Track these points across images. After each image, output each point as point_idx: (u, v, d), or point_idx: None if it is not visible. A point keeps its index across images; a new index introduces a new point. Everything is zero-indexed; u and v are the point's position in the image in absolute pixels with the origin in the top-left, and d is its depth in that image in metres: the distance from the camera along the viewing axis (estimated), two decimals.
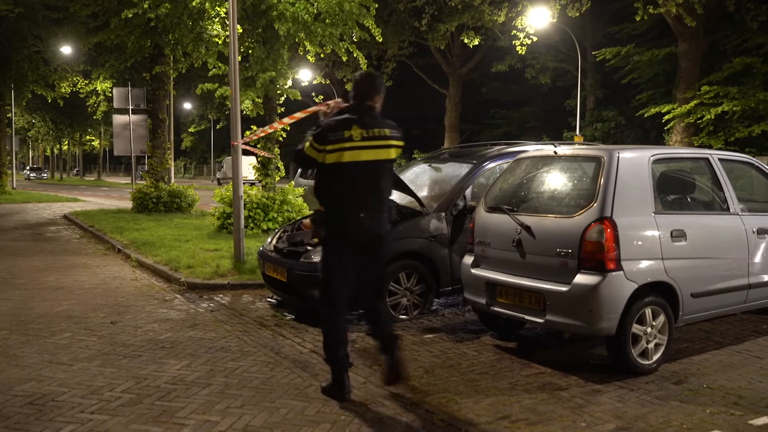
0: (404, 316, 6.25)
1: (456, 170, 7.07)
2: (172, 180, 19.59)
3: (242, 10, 10.52)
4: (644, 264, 4.69)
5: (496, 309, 5.24)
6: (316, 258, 6.21)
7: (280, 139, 11.89)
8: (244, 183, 10.08)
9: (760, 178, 6.11)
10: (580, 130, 28.41)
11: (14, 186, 32.09)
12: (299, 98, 12.35)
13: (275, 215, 11.40)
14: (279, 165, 11.93)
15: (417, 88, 37.44)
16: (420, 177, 7.66)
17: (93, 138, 55.62)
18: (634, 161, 4.95)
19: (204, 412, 3.99)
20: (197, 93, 12.43)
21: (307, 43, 11.31)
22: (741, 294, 5.38)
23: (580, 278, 4.59)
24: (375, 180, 4.23)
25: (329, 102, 4.59)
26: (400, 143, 4.34)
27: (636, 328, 4.67)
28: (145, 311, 6.65)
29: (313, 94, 26.04)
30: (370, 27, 11.70)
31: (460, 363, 4.97)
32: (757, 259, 5.46)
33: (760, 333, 5.93)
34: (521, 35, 21.42)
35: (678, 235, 4.88)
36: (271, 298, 7.17)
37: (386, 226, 4.32)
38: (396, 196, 7.04)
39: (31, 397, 4.23)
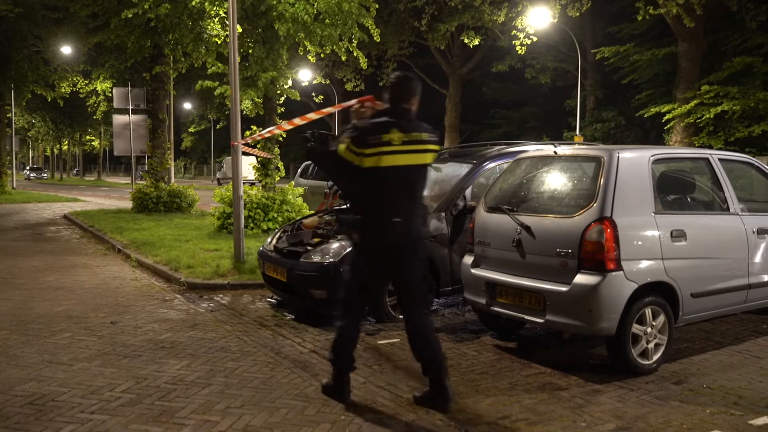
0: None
1: (456, 170, 7.07)
2: (172, 180, 19.59)
3: (242, 10, 10.52)
4: (644, 264, 4.69)
5: (496, 309, 5.24)
6: (317, 258, 6.22)
7: (280, 139, 11.89)
8: (244, 183, 10.08)
9: (760, 178, 6.12)
10: (580, 130, 28.41)
11: (14, 186, 32.09)
12: (299, 98, 12.36)
13: (275, 215, 11.41)
14: (279, 165, 11.93)
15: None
16: None
17: (93, 138, 55.60)
18: (634, 161, 4.95)
19: (204, 412, 3.99)
20: (197, 89, 12.44)
21: (307, 43, 11.32)
22: (741, 294, 5.38)
23: (580, 278, 4.59)
24: (411, 185, 4.12)
25: (362, 99, 4.46)
26: (437, 147, 4.23)
27: (636, 328, 4.67)
28: (145, 311, 6.65)
29: (313, 94, 26.02)
30: (370, 27, 11.70)
31: (460, 363, 4.97)
32: (757, 259, 5.46)
33: (760, 333, 5.93)
34: (521, 35, 21.43)
35: (678, 235, 4.89)
36: (271, 298, 7.17)
37: (420, 232, 4.19)
38: None
39: (31, 397, 4.23)
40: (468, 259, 5.63)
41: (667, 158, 5.51)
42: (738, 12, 20.65)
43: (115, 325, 6.08)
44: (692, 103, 20.95)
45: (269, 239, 7.25)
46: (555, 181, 5.33)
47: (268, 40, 11.00)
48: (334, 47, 11.57)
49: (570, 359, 5.20)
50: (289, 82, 11.81)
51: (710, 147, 19.86)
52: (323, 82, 31.43)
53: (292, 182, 13.17)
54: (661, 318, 4.81)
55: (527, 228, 4.98)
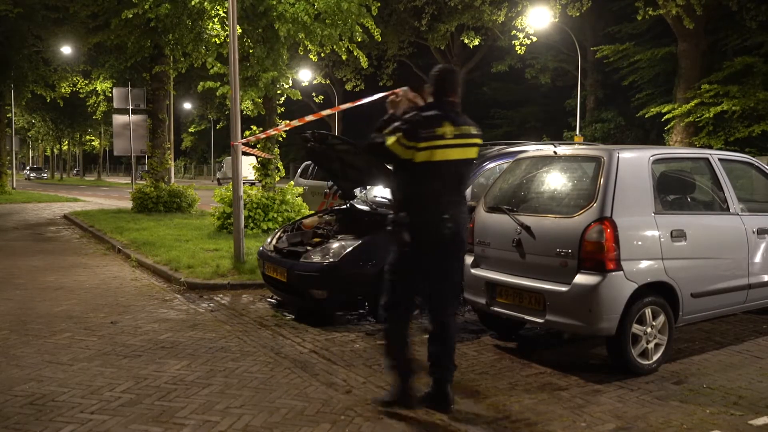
0: None
1: None
2: (172, 180, 19.58)
3: (242, 10, 10.52)
4: (644, 264, 4.69)
5: (496, 309, 5.24)
6: (317, 258, 6.22)
7: (280, 139, 11.89)
8: (244, 183, 10.08)
9: (760, 178, 6.12)
10: (580, 130, 28.42)
11: (14, 186, 32.09)
12: (300, 98, 12.36)
13: (275, 215, 11.41)
14: (279, 165, 11.93)
15: (417, 88, 37.37)
16: None
17: (93, 138, 55.58)
18: (634, 161, 4.95)
19: (204, 412, 3.99)
20: (198, 90, 12.45)
21: (307, 43, 11.32)
22: (741, 294, 5.38)
23: (580, 278, 4.59)
24: (460, 179, 4.06)
25: (397, 90, 4.34)
26: (481, 141, 4.19)
27: (636, 328, 4.67)
28: (145, 311, 6.65)
29: (314, 93, 26.07)
30: (370, 27, 11.71)
31: (460, 363, 4.95)
32: (757, 259, 5.46)
33: (760, 333, 5.93)
34: (520, 35, 21.43)
35: (678, 235, 4.88)
36: (271, 298, 7.17)
37: (466, 227, 4.14)
38: None
39: (31, 397, 4.23)
40: (468, 259, 5.62)
41: (667, 158, 5.51)
42: (738, 12, 20.65)
43: (115, 325, 6.08)
44: (692, 103, 20.95)
45: (269, 239, 7.24)
46: (555, 181, 5.33)
47: (269, 40, 11.01)
48: (335, 47, 11.57)
49: (570, 359, 5.20)
50: (290, 82, 11.81)
51: (710, 147, 19.86)
52: (323, 82, 31.45)
53: (292, 182, 13.16)
54: (661, 318, 4.81)
55: (527, 228, 4.98)
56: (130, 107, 17.19)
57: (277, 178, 12.07)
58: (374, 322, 6.21)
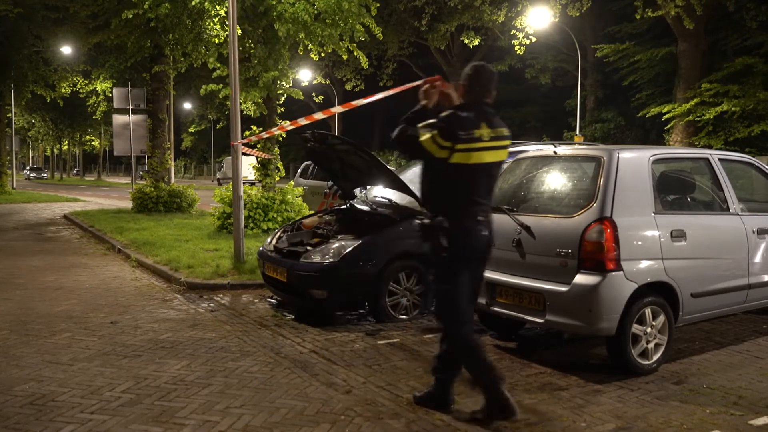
0: (404, 316, 6.25)
1: None
2: (172, 180, 19.58)
3: (242, 10, 10.52)
4: (644, 264, 4.69)
5: (496, 309, 5.23)
6: (317, 258, 6.22)
7: (280, 139, 11.90)
8: (244, 183, 10.08)
9: (760, 178, 6.11)
10: (580, 130, 28.43)
11: (14, 186, 32.09)
12: (302, 98, 12.37)
13: (275, 215, 11.41)
14: (279, 165, 11.93)
15: (417, 88, 37.38)
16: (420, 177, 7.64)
17: (93, 138, 55.58)
18: (634, 161, 4.95)
19: (204, 412, 3.99)
20: (201, 94, 12.48)
21: (307, 42, 11.33)
22: (741, 294, 5.38)
23: (580, 278, 4.59)
24: (492, 182, 3.93)
25: (433, 79, 4.11)
26: (510, 143, 4.05)
27: (636, 328, 4.67)
28: (145, 311, 6.65)
29: (314, 93, 26.09)
30: (371, 26, 11.72)
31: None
32: (757, 259, 5.46)
33: (760, 333, 5.93)
34: (520, 35, 21.43)
35: (678, 235, 4.88)
36: (271, 298, 7.18)
37: (493, 232, 3.98)
38: (396, 196, 7.10)
39: (31, 397, 4.23)
40: None
41: (667, 158, 5.51)
42: (737, 11, 20.65)
43: (115, 325, 6.08)
44: (692, 102, 20.96)
45: (269, 239, 7.24)
46: (555, 181, 5.33)
47: (269, 40, 11.01)
48: (335, 47, 11.58)
49: (570, 359, 5.20)
50: (290, 82, 11.82)
51: (710, 147, 19.87)
52: (323, 82, 31.45)
53: (292, 182, 13.16)
54: (661, 318, 4.81)
55: (527, 228, 4.97)
56: (130, 107, 17.20)
57: (277, 178, 12.07)
58: (374, 322, 6.21)
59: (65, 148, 60.45)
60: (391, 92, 6.57)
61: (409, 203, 6.73)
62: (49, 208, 20.56)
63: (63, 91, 26.36)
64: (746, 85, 20.83)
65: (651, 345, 4.76)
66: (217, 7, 11.32)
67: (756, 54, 21.38)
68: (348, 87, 30.58)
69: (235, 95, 8.58)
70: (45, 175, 62.66)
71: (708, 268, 5.10)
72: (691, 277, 4.93)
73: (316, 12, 10.81)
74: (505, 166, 6.30)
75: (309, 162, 14.58)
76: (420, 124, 3.86)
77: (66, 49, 24.19)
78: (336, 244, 6.27)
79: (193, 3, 11.27)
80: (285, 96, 11.86)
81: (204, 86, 11.53)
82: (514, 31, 21.74)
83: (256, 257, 7.57)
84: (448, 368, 4.03)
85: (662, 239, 4.79)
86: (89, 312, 6.58)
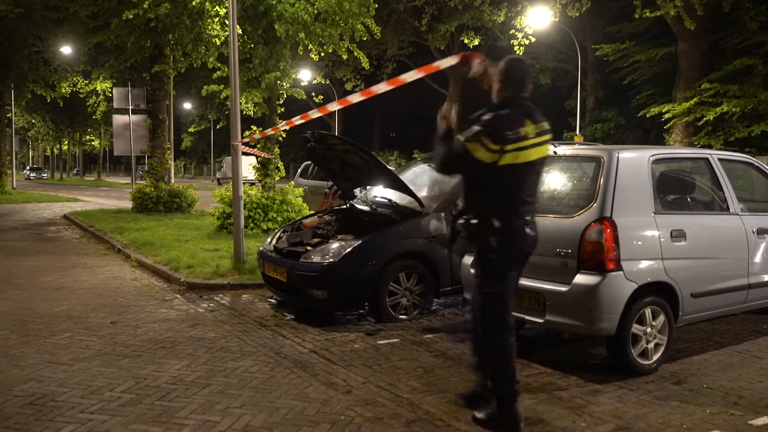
0: (404, 316, 6.25)
1: None
2: (172, 180, 19.58)
3: (242, 10, 10.52)
4: (644, 264, 4.69)
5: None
6: (316, 258, 6.22)
7: (280, 139, 11.90)
8: (244, 183, 10.08)
9: (760, 178, 6.11)
10: (580, 130, 28.44)
11: (14, 186, 32.07)
12: (304, 97, 12.38)
13: (275, 215, 11.41)
14: (279, 165, 11.93)
15: (417, 88, 37.44)
16: (420, 177, 7.66)
17: (93, 138, 55.59)
18: (634, 161, 4.95)
19: (204, 412, 3.99)
20: (202, 94, 12.47)
21: (307, 42, 11.33)
22: (741, 294, 5.38)
23: (580, 278, 4.59)
24: (538, 180, 3.83)
25: (467, 54, 3.95)
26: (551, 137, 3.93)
27: (636, 328, 4.67)
28: (145, 311, 6.65)
29: (313, 93, 26.14)
30: (370, 25, 11.72)
31: (460, 363, 4.97)
32: (757, 259, 5.46)
33: (760, 333, 5.93)
34: (520, 35, 21.42)
35: (678, 235, 4.88)
36: (271, 298, 7.18)
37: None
38: (396, 196, 7.10)
39: (31, 397, 4.23)
40: (468, 259, 5.62)
41: (667, 158, 5.51)
42: (736, 11, 20.65)
43: (115, 325, 6.08)
44: (692, 102, 20.96)
45: (269, 239, 7.24)
46: (555, 181, 5.33)
47: (270, 40, 11.01)
48: (335, 47, 11.58)
49: (570, 359, 5.20)
50: (291, 82, 11.82)
51: (710, 147, 19.88)
52: (323, 82, 31.45)
53: (292, 182, 13.16)
54: (661, 318, 4.81)
55: None
56: (130, 107, 17.19)
57: (277, 178, 12.07)
58: (374, 322, 6.21)
59: (65, 148, 60.44)
60: (419, 74, 5.74)
61: (408, 203, 6.74)
62: (49, 208, 20.56)
63: (63, 91, 26.35)
64: (746, 85, 20.84)
65: (651, 345, 4.77)
66: (217, 8, 11.32)
67: (756, 54, 21.38)
68: (348, 87, 30.57)
69: (235, 95, 8.58)
70: (45, 175, 62.66)
71: (708, 268, 5.10)
72: (691, 277, 4.93)
73: (316, 12, 10.81)
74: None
75: (309, 162, 14.59)
76: (461, 136, 3.69)
77: (66, 49, 24.19)
78: (336, 244, 6.27)
79: (193, 3, 11.27)
80: (285, 96, 11.86)
81: (205, 87, 11.53)
82: (513, 31, 21.74)
83: (256, 257, 7.57)
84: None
85: (662, 239, 4.79)
86: (89, 312, 6.58)
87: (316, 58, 12.55)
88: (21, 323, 6.11)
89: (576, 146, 7.20)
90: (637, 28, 25.76)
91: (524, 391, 4.37)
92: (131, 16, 12.65)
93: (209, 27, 12.19)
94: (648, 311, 4.73)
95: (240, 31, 10.35)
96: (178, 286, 7.91)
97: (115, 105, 17.68)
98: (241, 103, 10.25)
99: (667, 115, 22.01)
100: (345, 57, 12.49)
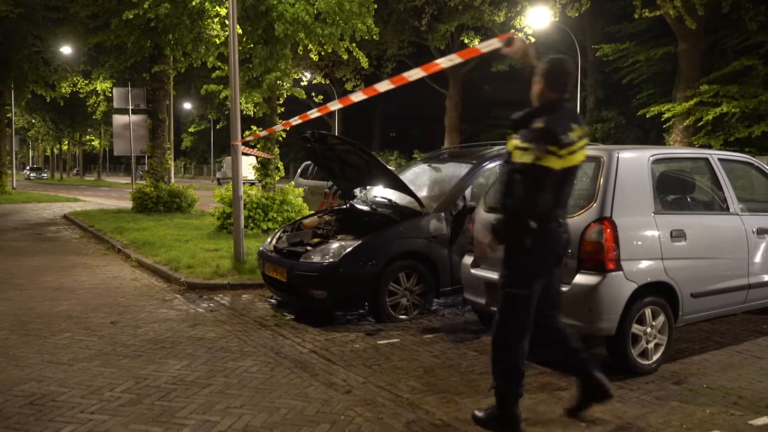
0: (404, 316, 6.25)
1: (456, 170, 7.07)
2: (172, 180, 19.58)
3: (242, 10, 10.52)
4: (644, 264, 4.69)
5: (496, 309, 5.23)
6: (317, 258, 6.22)
7: (280, 139, 11.90)
8: (244, 183, 10.08)
9: (760, 178, 6.11)
10: None
11: (14, 186, 32.06)
12: (304, 97, 12.38)
13: (275, 215, 11.41)
14: (279, 165, 11.94)
15: (417, 88, 37.42)
16: (420, 177, 7.66)
17: (93, 138, 55.59)
18: (634, 161, 4.95)
19: (204, 412, 3.99)
20: (201, 94, 12.47)
21: (307, 42, 11.33)
22: (741, 294, 5.38)
23: (580, 278, 4.59)
24: (574, 183, 3.79)
25: (508, 35, 3.94)
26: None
27: (636, 328, 4.67)
28: (145, 311, 6.65)
29: (313, 93, 26.16)
30: (370, 25, 11.72)
31: (460, 363, 4.97)
32: (757, 259, 5.46)
33: (760, 333, 5.93)
34: (519, 35, 21.43)
35: (678, 235, 4.88)
36: (271, 298, 7.18)
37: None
38: (396, 196, 7.10)
39: (31, 397, 4.23)
40: (468, 259, 5.63)
41: (667, 158, 5.51)
42: (736, 11, 20.64)
43: (115, 325, 6.08)
44: (691, 102, 20.95)
45: (269, 239, 7.24)
46: None
47: (270, 40, 11.01)
48: (335, 47, 11.58)
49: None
50: (291, 82, 11.82)
51: (710, 147, 19.87)
52: (323, 81, 31.44)
53: (292, 182, 13.16)
54: (661, 318, 4.81)
55: None
56: (130, 107, 17.19)
57: (277, 178, 12.07)
58: (374, 322, 6.21)
59: (65, 148, 60.44)
60: (457, 59, 5.54)
61: (408, 203, 6.74)
62: (49, 208, 20.56)
63: (63, 91, 26.35)
64: (746, 85, 20.83)
65: (651, 345, 4.77)
66: (217, 8, 11.32)
67: (756, 54, 21.37)
68: (348, 87, 30.56)
69: (235, 95, 8.58)
70: (45, 175, 62.67)
71: (708, 268, 5.10)
72: (691, 277, 4.93)
73: (316, 12, 10.81)
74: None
75: (309, 162, 14.59)
76: (518, 150, 3.61)
77: (66, 49, 24.19)
78: (336, 244, 6.27)
79: (193, 3, 11.28)
80: (286, 96, 11.86)
81: (204, 87, 11.53)
82: (513, 31, 21.74)
83: (256, 257, 7.57)
84: (580, 365, 3.92)
85: (662, 239, 4.79)
86: (89, 312, 6.58)
87: (315, 58, 12.55)
88: (21, 323, 6.11)
89: None
90: (636, 28, 25.75)
91: (524, 391, 4.37)
92: (131, 16, 12.65)
93: (209, 27, 12.20)
94: (648, 311, 4.73)
95: (240, 31, 10.35)
96: (178, 286, 7.91)
97: (115, 105, 17.68)
98: (241, 103, 10.24)
99: (666, 115, 22.00)
100: (345, 57, 12.49)
